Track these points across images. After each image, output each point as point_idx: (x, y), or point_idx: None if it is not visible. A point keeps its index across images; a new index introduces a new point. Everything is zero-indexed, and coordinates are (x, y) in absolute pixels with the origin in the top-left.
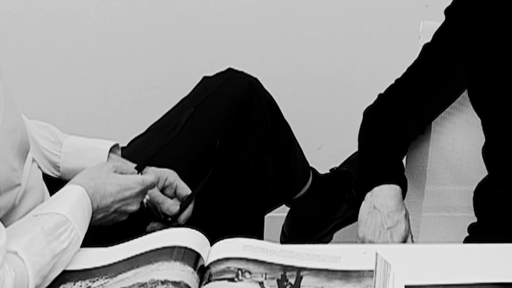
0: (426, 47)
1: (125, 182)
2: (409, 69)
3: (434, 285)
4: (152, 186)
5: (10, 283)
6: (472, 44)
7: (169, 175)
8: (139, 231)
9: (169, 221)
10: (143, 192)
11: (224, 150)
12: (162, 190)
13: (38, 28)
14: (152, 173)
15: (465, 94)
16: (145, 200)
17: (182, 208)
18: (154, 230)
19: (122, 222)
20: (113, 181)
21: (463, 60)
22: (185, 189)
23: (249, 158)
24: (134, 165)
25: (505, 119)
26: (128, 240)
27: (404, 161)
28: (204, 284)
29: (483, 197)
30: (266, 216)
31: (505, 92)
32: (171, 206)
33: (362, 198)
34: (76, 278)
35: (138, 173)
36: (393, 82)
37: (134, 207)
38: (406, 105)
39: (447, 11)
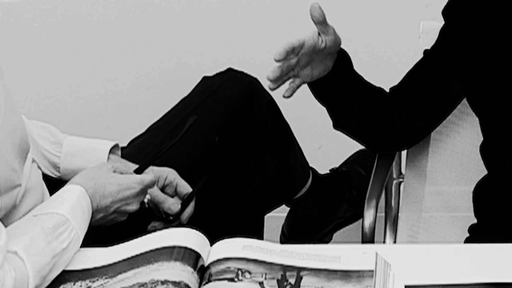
0: (426, 51)
1: (125, 182)
2: (409, 72)
3: (434, 285)
4: (151, 185)
5: (10, 283)
6: (468, 43)
7: (169, 174)
8: (139, 231)
9: (170, 220)
10: (143, 191)
11: (224, 150)
12: (162, 189)
13: (38, 28)
14: (152, 172)
15: None
16: (145, 200)
17: (184, 206)
18: (155, 230)
19: (122, 222)
20: (112, 180)
21: (456, 61)
22: (185, 187)
23: (249, 158)
24: (134, 165)
25: (502, 117)
26: (128, 240)
27: (404, 161)
28: (204, 284)
29: (482, 195)
30: (266, 216)
31: (502, 91)
32: (172, 205)
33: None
34: (76, 278)
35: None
36: (393, 82)
37: (133, 207)
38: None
39: (444, 12)
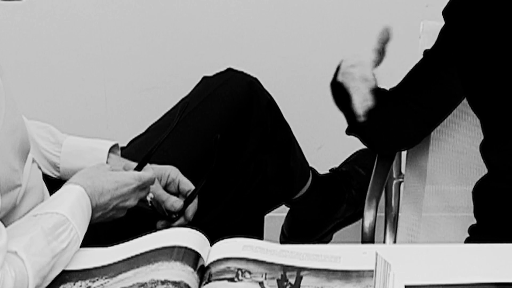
0: (426, 52)
1: (122, 178)
2: (409, 73)
3: (434, 285)
4: (150, 182)
5: (10, 283)
6: (469, 43)
7: (171, 172)
8: (139, 231)
9: (173, 218)
10: (141, 187)
11: (224, 150)
12: (165, 188)
13: (38, 28)
14: (150, 170)
15: None
16: (148, 199)
17: (186, 204)
18: (166, 227)
19: (122, 222)
20: (110, 178)
21: (457, 61)
22: (187, 185)
23: (249, 158)
24: (134, 164)
25: (503, 117)
26: (128, 240)
27: (404, 161)
28: (204, 284)
29: (482, 193)
30: (266, 216)
31: (503, 90)
32: (174, 202)
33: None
34: (76, 278)
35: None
36: (393, 82)
37: (131, 202)
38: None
39: (444, 12)
